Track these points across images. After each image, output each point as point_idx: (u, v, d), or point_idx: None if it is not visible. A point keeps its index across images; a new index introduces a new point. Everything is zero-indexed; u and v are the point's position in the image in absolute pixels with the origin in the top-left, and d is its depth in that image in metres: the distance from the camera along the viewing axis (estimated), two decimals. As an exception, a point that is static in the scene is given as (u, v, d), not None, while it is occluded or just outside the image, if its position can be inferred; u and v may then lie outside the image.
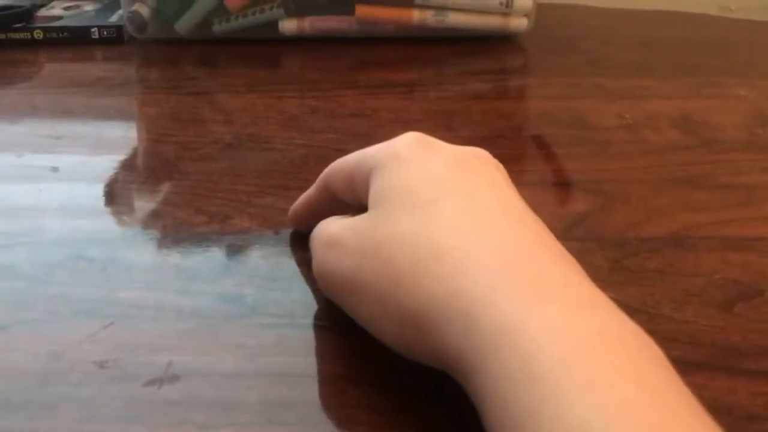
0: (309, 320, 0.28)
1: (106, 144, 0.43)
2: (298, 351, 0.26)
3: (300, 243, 0.33)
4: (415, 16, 0.61)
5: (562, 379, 0.18)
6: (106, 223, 0.35)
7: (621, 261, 0.31)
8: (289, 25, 0.61)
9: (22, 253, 0.32)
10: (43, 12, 0.66)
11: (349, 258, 0.25)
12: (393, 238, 0.24)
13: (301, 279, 0.30)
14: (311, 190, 0.32)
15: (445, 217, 0.24)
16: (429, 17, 0.61)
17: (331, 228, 0.26)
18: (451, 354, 0.21)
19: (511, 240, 0.23)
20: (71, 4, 0.68)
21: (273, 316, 0.28)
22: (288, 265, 0.31)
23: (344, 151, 0.42)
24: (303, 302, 0.29)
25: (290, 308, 0.28)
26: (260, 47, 0.60)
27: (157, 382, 0.25)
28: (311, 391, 0.24)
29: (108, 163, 0.41)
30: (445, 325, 0.21)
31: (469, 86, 0.53)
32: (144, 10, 0.61)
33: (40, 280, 0.30)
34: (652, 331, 0.25)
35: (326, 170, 0.31)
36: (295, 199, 0.36)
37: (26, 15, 0.64)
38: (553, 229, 0.27)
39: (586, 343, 0.19)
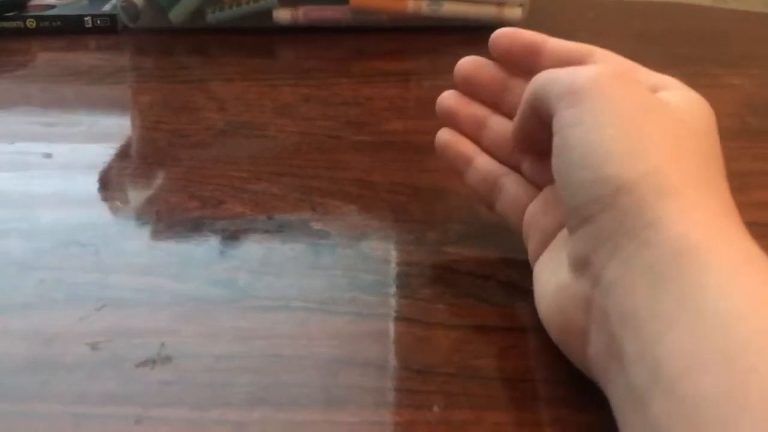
0: (301, 303, 0.28)
1: (99, 131, 0.43)
2: (290, 333, 0.26)
3: (293, 228, 0.33)
4: (410, 5, 0.60)
5: None
6: (98, 209, 0.35)
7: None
8: (283, 15, 0.61)
9: (13, 238, 0.32)
10: (36, 1, 0.66)
11: (638, 94, 0.24)
12: (684, 119, 0.24)
13: (293, 263, 0.30)
14: (568, 43, 0.30)
15: None
16: (424, 7, 0.60)
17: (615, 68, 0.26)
18: (663, 229, 0.21)
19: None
20: (64, -7, 0.68)
21: (265, 299, 0.28)
22: (281, 250, 0.31)
23: (338, 138, 0.43)
24: (295, 286, 0.29)
25: (282, 292, 0.28)
26: (254, 37, 0.60)
27: (149, 363, 0.24)
28: (303, 372, 0.24)
29: (101, 150, 0.41)
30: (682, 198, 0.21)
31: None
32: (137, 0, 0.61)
33: (31, 265, 0.30)
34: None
35: (536, 83, 0.27)
36: (288, 186, 0.36)
37: (19, 4, 0.64)
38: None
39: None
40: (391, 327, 0.26)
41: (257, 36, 0.60)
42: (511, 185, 0.30)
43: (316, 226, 0.33)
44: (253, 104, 0.47)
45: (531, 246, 0.28)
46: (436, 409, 0.23)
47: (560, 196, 0.24)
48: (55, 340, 0.26)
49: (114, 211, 0.35)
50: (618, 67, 0.27)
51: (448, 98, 0.33)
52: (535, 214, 0.28)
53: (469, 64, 0.32)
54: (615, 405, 0.20)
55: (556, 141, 0.24)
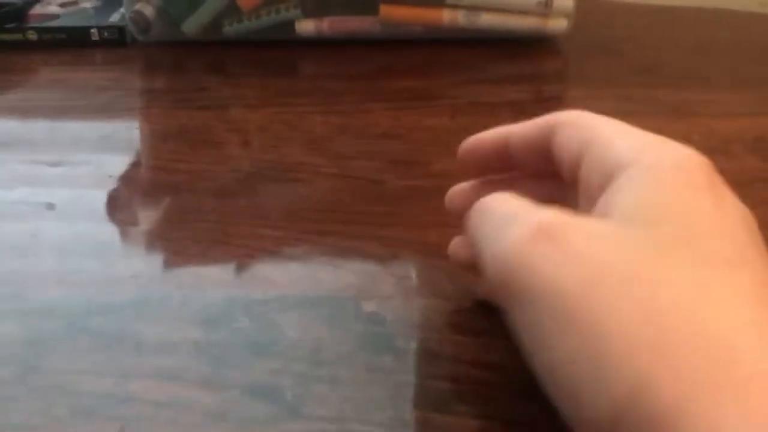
0: (360, 426, 0.23)
1: (107, 172, 0.38)
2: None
3: (343, 312, 0.28)
4: (446, 16, 0.55)
5: None
6: (109, 282, 0.30)
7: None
8: (306, 26, 0.56)
9: (8, 325, 0.27)
10: (37, 9, 0.61)
11: (574, 266, 0.18)
12: (661, 284, 0.17)
13: (348, 365, 0.25)
14: (529, 125, 0.25)
15: (742, 294, 0.17)
16: (460, 18, 0.55)
17: (547, 214, 0.20)
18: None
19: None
20: (68, 0, 0.63)
21: (319, 419, 0.23)
22: (333, 340, 0.26)
23: (382, 183, 0.38)
24: (352, 400, 0.24)
25: (338, 408, 0.23)
26: (275, 50, 0.55)
27: None
28: None
29: (112, 200, 0.36)
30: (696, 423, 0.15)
31: (507, 97, 0.48)
32: (148, 10, 0.56)
33: (30, 365, 0.25)
34: None
35: (556, 117, 0.23)
36: (331, 246, 0.31)
37: (19, 14, 0.58)
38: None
39: None
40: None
41: (278, 49, 0.55)
42: None
43: (368, 308, 0.28)
44: (280, 137, 0.42)
45: None
46: None
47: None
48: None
49: (127, 287, 0.30)
50: (545, 220, 0.19)
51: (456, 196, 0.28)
52: None
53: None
54: None
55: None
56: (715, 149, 0.40)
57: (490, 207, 0.22)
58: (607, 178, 0.20)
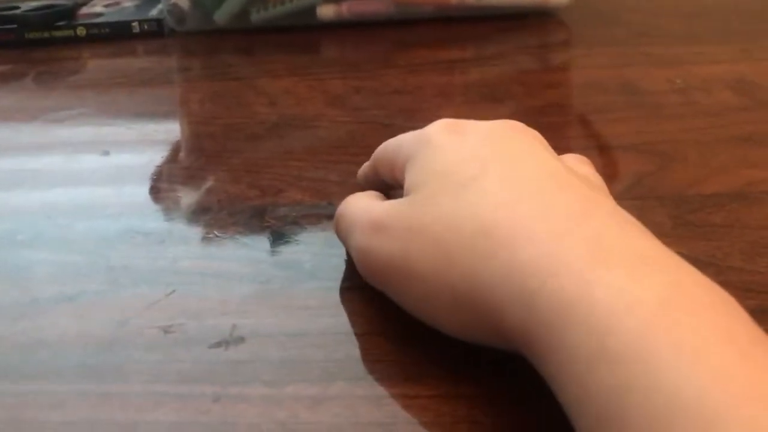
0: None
1: (154, 129, 0.44)
2: (360, 311, 0.26)
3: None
4: (454, -4, 0.60)
5: (645, 352, 0.17)
6: (160, 199, 0.35)
7: (684, 217, 0.31)
8: (326, 11, 0.61)
9: (79, 229, 0.32)
10: (84, 10, 0.67)
11: (395, 242, 0.24)
12: (438, 219, 0.23)
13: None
14: (367, 166, 0.32)
15: (488, 192, 0.22)
16: (468, -3, 0.60)
17: (373, 212, 0.25)
18: (515, 333, 0.20)
19: (562, 205, 0.21)
20: (111, 1, 0.69)
21: (332, 280, 0.28)
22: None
23: (391, 126, 0.42)
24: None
25: (350, 272, 0.28)
26: (299, 34, 0.60)
27: (222, 344, 0.24)
28: (377, 348, 0.24)
29: (158, 146, 0.41)
30: (504, 303, 0.20)
31: (512, 60, 0.53)
32: (183, 2, 0.62)
33: (99, 254, 0.30)
34: (723, 283, 0.24)
35: (376, 152, 0.31)
36: (345, 172, 0.36)
37: (68, 13, 0.65)
38: (611, 190, 0.26)
39: (662, 308, 0.18)
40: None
41: (302, 33, 0.60)
42: None
43: (377, 209, 0.33)
44: (303, 98, 0.47)
45: None
46: (518, 381, 0.22)
47: None
48: (127, 324, 0.26)
49: (175, 201, 0.35)
50: (374, 217, 0.25)
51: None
52: None
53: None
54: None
55: None
56: (694, 88, 0.44)
57: (343, 211, 0.28)
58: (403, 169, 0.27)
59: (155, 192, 0.36)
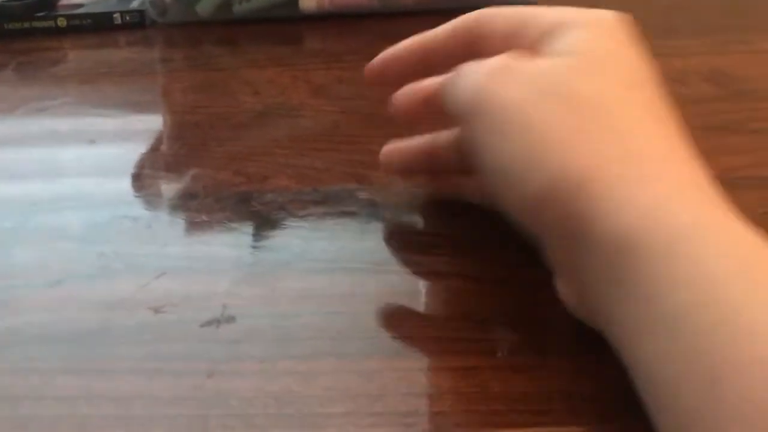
0: (356, 264, 0.28)
1: (140, 118, 0.44)
2: (349, 291, 0.26)
3: (340, 198, 0.33)
4: (436, -12, 0.61)
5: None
6: (144, 186, 0.36)
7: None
8: (309, 3, 0.62)
9: (68, 215, 0.33)
10: (64, 1, 0.67)
11: (522, 87, 0.23)
12: (576, 93, 0.22)
13: (343, 229, 0.31)
14: (436, 32, 0.29)
15: (639, 108, 0.23)
16: (449, -11, 0.61)
17: (501, 59, 0.24)
18: (596, 229, 0.20)
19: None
20: (92, -8, 0.69)
21: (321, 261, 0.28)
22: (330, 217, 0.31)
23: (375, 115, 0.43)
24: (348, 249, 0.29)
25: (336, 254, 0.29)
26: (281, 26, 0.60)
27: (214, 323, 0.25)
28: (365, 325, 0.25)
29: (144, 134, 0.41)
30: (602, 192, 0.20)
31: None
32: (165, -6, 0.62)
33: (89, 239, 0.31)
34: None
35: (474, 14, 0.27)
36: (330, 160, 0.36)
37: (49, 3, 0.65)
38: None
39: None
40: (448, 283, 0.27)
41: (284, 25, 0.61)
42: None
43: (362, 195, 0.33)
44: (287, 87, 0.47)
45: None
46: (499, 354, 0.23)
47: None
48: (119, 306, 0.26)
49: (162, 188, 0.35)
50: (502, 59, 0.24)
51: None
52: None
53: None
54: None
55: (475, 161, 0.24)
56: (673, 80, 0.45)
57: (460, 70, 0.26)
58: (543, 36, 0.25)
59: (140, 179, 0.36)
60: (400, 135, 0.39)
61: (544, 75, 0.23)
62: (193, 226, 0.31)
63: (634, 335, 0.19)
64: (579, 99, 0.22)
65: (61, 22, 0.63)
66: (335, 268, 0.28)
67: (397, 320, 0.25)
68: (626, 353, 0.20)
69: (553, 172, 0.21)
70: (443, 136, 0.30)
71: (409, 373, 0.22)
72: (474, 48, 0.27)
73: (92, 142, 0.41)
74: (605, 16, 0.25)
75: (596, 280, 0.20)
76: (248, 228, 0.31)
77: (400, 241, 0.30)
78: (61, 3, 0.66)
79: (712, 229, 0.20)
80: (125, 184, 0.36)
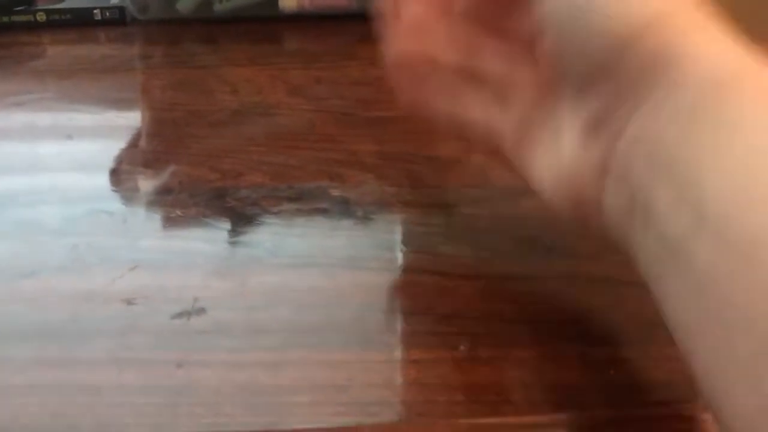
0: (326, 260, 0.29)
1: (117, 114, 0.44)
2: (319, 286, 0.27)
3: (313, 195, 0.34)
4: (413, -9, 0.61)
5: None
6: (121, 181, 0.36)
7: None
8: (289, 3, 0.62)
9: (43, 208, 0.33)
10: (44, -5, 0.67)
11: None
12: None
13: (316, 226, 0.31)
14: None
15: None
16: (427, -8, 0.61)
17: None
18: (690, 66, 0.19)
19: None
20: (72, -13, 0.69)
21: (292, 257, 0.29)
22: (302, 214, 0.32)
23: (351, 115, 0.44)
24: (320, 245, 0.30)
25: (308, 251, 0.29)
26: (261, 25, 0.61)
27: (185, 315, 0.26)
28: (334, 319, 0.25)
29: (121, 130, 0.42)
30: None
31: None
32: (146, -9, 0.62)
33: (63, 232, 0.31)
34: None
35: None
36: (305, 158, 0.37)
37: (28, -2, 0.65)
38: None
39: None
40: (415, 279, 0.27)
41: (264, 24, 0.61)
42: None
43: (335, 192, 0.34)
44: (265, 86, 0.48)
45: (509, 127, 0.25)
46: (462, 348, 0.24)
47: (558, 57, 0.22)
48: (91, 298, 0.27)
49: (137, 183, 0.36)
50: None
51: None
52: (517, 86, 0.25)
53: None
54: (645, 263, 0.19)
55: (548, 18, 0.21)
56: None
57: None
58: None
59: (118, 174, 0.37)
60: (376, 136, 0.40)
61: None
62: (167, 220, 0.32)
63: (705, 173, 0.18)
64: None
65: (41, 17, 0.63)
66: (307, 263, 0.29)
67: (365, 314, 0.25)
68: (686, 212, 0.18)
69: (665, 3, 0.20)
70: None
71: (375, 365, 0.23)
72: None
73: (70, 137, 0.41)
74: None
75: (675, 121, 0.19)
76: (222, 223, 0.31)
77: (371, 238, 0.30)
78: (40, -2, 0.66)
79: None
80: (102, 179, 0.36)
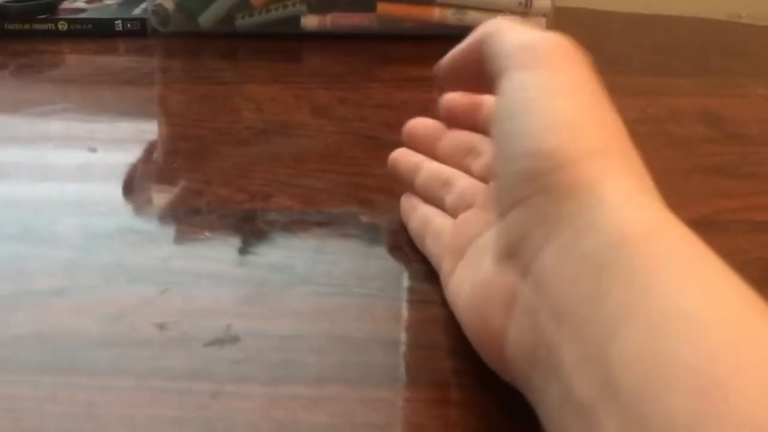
0: (359, 289, 0.28)
1: (141, 128, 0.44)
2: (354, 316, 0.27)
3: (343, 221, 0.33)
4: (436, 14, 0.62)
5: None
6: (148, 198, 0.36)
7: (659, 241, 0.32)
8: (311, 21, 0.62)
9: (71, 225, 0.33)
10: (66, 5, 0.67)
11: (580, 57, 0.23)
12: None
13: (347, 253, 0.31)
14: (463, 45, 0.28)
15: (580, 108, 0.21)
16: (449, 15, 0.62)
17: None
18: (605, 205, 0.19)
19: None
20: (93, -3, 0.69)
21: (324, 285, 0.28)
22: (333, 240, 0.32)
23: (377, 139, 0.44)
24: (352, 273, 0.29)
25: (341, 278, 0.29)
26: (282, 42, 0.61)
27: (218, 342, 0.25)
28: (370, 353, 0.25)
29: (146, 145, 0.41)
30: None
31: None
32: (168, 4, 0.62)
33: (91, 250, 0.31)
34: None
35: (481, 32, 0.26)
36: (332, 182, 0.37)
37: (51, 6, 0.65)
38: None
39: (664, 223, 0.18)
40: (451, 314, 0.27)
41: (285, 41, 0.61)
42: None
43: (365, 219, 0.33)
44: (290, 106, 0.48)
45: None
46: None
47: (494, 174, 0.22)
48: (122, 319, 0.26)
49: (165, 201, 0.35)
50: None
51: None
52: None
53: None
54: (548, 416, 0.18)
55: (500, 103, 0.22)
56: (666, 118, 0.46)
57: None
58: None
59: (144, 191, 0.37)
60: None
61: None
62: (197, 242, 0.31)
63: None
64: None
65: (62, 26, 0.63)
66: (339, 291, 0.28)
67: (402, 349, 0.25)
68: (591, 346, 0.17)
69: (592, 145, 0.20)
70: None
71: (416, 404, 0.23)
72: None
73: (94, 150, 0.41)
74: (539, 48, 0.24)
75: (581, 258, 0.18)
76: (252, 247, 0.31)
77: (403, 268, 0.30)
78: (62, 7, 0.66)
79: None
80: (127, 196, 0.36)
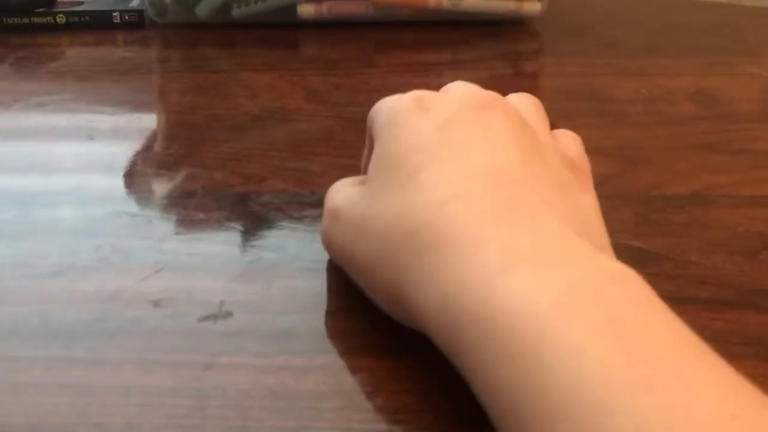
0: (351, 266, 0.29)
1: (137, 115, 0.45)
2: (343, 291, 0.27)
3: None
4: (431, 0, 0.62)
5: (537, 352, 0.18)
6: (144, 183, 0.36)
7: (647, 216, 0.33)
8: (307, 10, 0.62)
9: (66, 208, 0.33)
10: (64, -3, 0.67)
11: (346, 232, 0.25)
12: (383, 214, 0.23)
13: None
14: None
15: (425, 188, 0.23)
16: (444, 2, 0.62)
17: (335, 199, 0.27)
18: (433, 331, 0.21)
19: (487, 206, 0.22)
20: (92, -10, 0.69)
21: (317, 262, 0.29)
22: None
23: (370, 122, 0.44)
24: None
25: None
26: (279, 31, 0.61)
27: (211, 317, 0.26)
28: (362, 325, 0.25)
29: (142, 132, 0.42)
30: (423, 303, 0.21)
31: (485, 65, 0.55)
32: (165, -5, 0.62)
33: (86, 232, 0.31)
34: (681, 276, 0.26)
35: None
36: (326, 164, 0.37)
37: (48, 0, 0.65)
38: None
39: (555, 308, 0.19)
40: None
41: (281, 30, 0.61)
42: None
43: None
44: (284, 92, 0.48)
45: None
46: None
47: None
48: (117, 298, 0.27)
49: (160, 185, 0.36)
50: (332, 206, 0.27)
51: None
52: None
53: None
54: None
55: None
56: (658, 98, 0.47)
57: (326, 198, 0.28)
58: None
59: (140, 177, 0.37)
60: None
61: (358, 211, 0.26)
62: (191, 224, 0.32)
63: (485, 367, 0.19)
64: (380, 224, 0.24)
65: (60, 19, 0.64)
66: (332, 267, 0.29)
67: (391, 319, 0.25)
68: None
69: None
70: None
71: (401, 371, 0.23)
72: None
73: (91, 138, 0.41)
74: (395, 109, 0.28)
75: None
76: (245, 227, 0.32)
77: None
78: (60, 0, 0.67)
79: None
80: (123, 181, 0.36)
